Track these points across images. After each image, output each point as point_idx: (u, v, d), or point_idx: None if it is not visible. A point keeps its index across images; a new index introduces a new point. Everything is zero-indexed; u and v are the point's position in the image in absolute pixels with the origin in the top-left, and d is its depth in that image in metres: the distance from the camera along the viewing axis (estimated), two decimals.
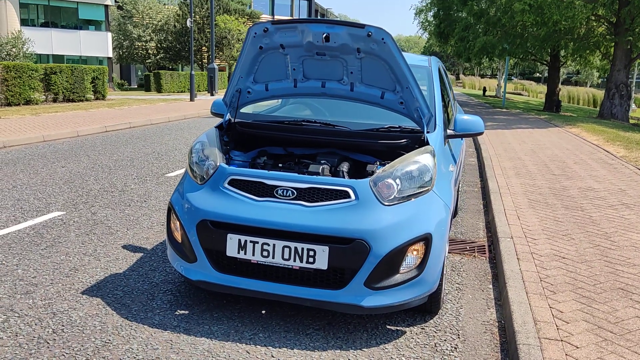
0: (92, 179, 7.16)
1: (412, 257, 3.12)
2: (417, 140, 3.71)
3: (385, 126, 3.92)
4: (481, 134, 4.22)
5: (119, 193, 6.44)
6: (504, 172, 8.23)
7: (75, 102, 19.41)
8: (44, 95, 18.49)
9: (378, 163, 3.78)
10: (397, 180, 3.23)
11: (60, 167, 7.91)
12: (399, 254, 3.06)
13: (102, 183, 6.94)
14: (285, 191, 3.24)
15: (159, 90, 29.66)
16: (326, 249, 3.02)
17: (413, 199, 3.22)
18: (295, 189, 3.24)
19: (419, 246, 3.13)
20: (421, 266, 3.13)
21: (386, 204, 3.14)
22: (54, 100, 18.87)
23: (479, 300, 3.81)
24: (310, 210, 3.13)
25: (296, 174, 3.35)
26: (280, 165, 3.76)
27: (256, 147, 4.16)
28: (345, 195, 3.16)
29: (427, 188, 3.29)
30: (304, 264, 3.06)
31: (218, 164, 3.52)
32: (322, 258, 3.03)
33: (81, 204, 5.87)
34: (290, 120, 4.14)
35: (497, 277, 4.22)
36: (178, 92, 30.67)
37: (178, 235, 3.44)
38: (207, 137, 3.86)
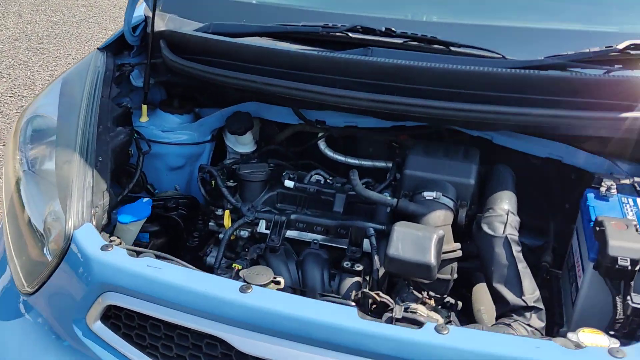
0: None
1: None
2: None
3: (619, 47, 1.30)
4: None
5: None
6: None
7: None
8: None
9: None
10: None
11: None
12: None
13: None
14: None
15: None
16: None
17: None
18: None
19: None
20: None
21: None
22: None
23: None
24: None
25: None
26: (294, 184, 1.49)
27: (218, 104, 1.76)
28: None
29: None
30: None
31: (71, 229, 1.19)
32: None
33: None
34: (310, 27, 1.56)
35: None
36: None
37: None
38: (62, 102, 1.49)
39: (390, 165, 1.63)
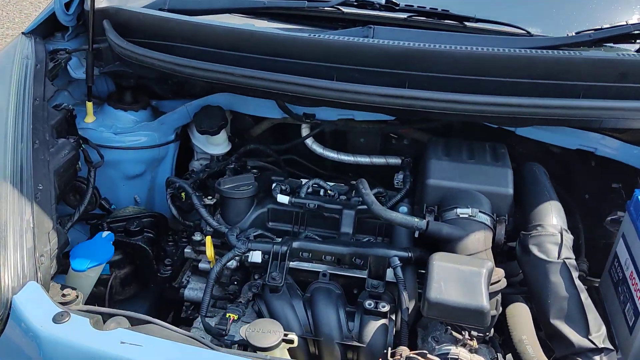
0: None
1: None
2: None
3: None
4: None
5: None
6: None
7: None
8: None
9: None
10: None
11: None
12: None
13: None
14: None
15: None
16: None
17: None
18: None
19: None
20: None
21: None
22: None
23: None
24: None
25: None
26: (289, 200, 1.27)
27: (182, 95, 1.46)
28: None
29: None
30: None
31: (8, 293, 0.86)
32: None
33: None
34: (293, 1, 1.39)
35: None
36: None
37: None
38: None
39: (390, 161, 1.40)
